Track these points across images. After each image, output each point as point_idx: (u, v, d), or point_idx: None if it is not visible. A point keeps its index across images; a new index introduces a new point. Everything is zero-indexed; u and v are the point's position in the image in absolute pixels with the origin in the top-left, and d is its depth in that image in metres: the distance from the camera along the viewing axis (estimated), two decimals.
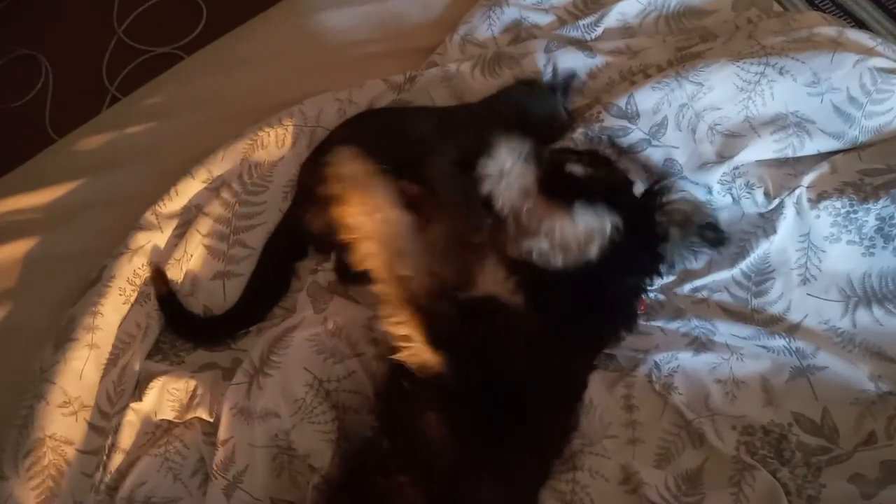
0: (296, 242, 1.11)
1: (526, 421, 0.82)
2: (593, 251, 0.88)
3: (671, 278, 1.03)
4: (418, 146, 1.06)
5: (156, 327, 1.06)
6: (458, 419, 0.80)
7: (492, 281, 0.90)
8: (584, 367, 0.94)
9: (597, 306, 0.91)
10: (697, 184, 1.06)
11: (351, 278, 1.04)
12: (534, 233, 0.90)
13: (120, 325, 1.03)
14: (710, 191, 1.05)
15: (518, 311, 0.86)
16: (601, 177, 0.97)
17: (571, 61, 1.16)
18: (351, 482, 0.85)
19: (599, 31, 1.23)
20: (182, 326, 1.08)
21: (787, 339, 0.95)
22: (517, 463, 0.82)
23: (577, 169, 0.96)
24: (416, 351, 0.81)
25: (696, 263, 1.01)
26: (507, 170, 0.92)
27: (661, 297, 1.03)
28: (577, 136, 1.08)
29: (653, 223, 0.92)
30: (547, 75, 1.16)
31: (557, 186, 0.93)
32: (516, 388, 0.82)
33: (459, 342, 0.81)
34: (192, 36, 1.91)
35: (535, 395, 0.83)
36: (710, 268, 1.02)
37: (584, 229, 0.88)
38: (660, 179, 0.99)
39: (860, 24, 1.51)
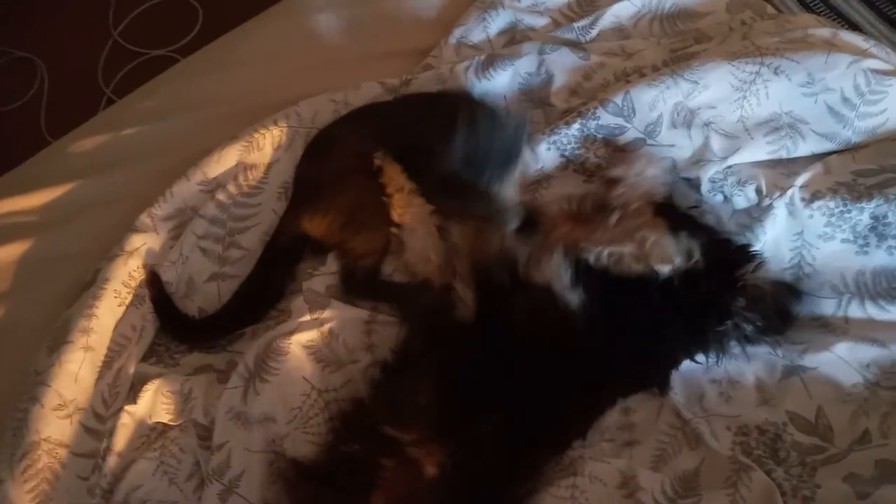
0: (295, 243, 1.11)
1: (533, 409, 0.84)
2: (667, 268, 0.89)
3: None
4: (415, 137, 1.06)
5: (151, 330, 1.06)
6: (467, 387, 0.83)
7: (552, 271, 0.90)
8: (605, 395, 0.94)
9: (641, 345, 0.91)
10: (689, 180, 1.06)
11: (357, 289, 1.04)
12: (623, 237, 0.92)
13: (115, 328, 1.03)
14: (700, 188, 1.05)
15: (569, 307, 0.88)
16: (701, 221, 1.01)
17: (566, 63, 1.16)
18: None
19: (594, 33, 1.23)
20: (177, 328, 1.07)
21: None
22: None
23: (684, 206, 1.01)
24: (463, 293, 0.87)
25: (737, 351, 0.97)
26: (645, 174, 0.98)
27: None
28: (573, 132, 1.08)
29: (729, 279, 0.92)
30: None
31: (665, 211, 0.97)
32: (536, 377, 0.84)
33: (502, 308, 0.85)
34: (188, 38, 1.91)
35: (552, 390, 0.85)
36: None
37: (672, 247, 0.90)
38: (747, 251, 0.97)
39: (853, 27, 1.52)
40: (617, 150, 1.08)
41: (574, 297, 0.89)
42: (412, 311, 1.00)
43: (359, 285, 1.04)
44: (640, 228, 0.92)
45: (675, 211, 1.02)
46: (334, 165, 1.10)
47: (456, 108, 1.01)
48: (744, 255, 0.95)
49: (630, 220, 0.95)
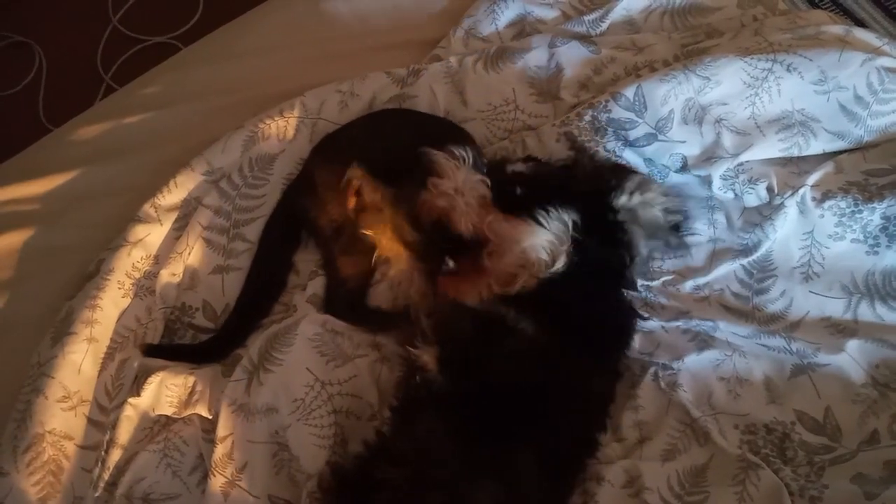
0: (292, 228, 1.09)
1: (536, 433, 0.81)
2: (562, 261, 0.87)
3: (668, 277, 1.03)
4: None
5: (160, 328, 1.05)
6: (461, 427, 0.80)
7: (493, 304, 0.88)
8: (598, 380, 0.92)
9: (588, 319, 0.90)
10: (700, 177, 1.05)
11: (340, 310, 1.02)
12: (504, 255, 0.87)
13: (118, 319, 1.02)
14: (711, 185, 1.04)
15: (525, 332, 0.85)
16: (548, 172, 0.95)
17: (576, 56, 1.15)
18: (349, 488, 0.83)
19: (604, 26, 1.22)
20: (183, 356, 1.04)
21: (786, 340, 0.95)
22: (524, 474, 0.81)
23: (519, 167, 0.94)
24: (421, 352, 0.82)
25: (664, 264, 1.01)
26: (461, 183, 0.88)
27: (664, 300, 1.02)
28: (584, 124, 1.07)
29: (610, 222, 0.91)
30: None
31: (507, 193, 0.90)
32: (525, 401, 0.81)
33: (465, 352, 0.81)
34: (189, 25, 1.89)
35: (547, 408, 0.82)
36: (711, 265, 1.02)
37: (552, 238, 0.86)
38: (618, 175, 0.96)
39: (860, 24, 1.51)
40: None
41: (525, 323, 0.86)
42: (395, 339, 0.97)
43: (342, 307, 1.02)
44: (508, 240, 0.87)
45: (527, 178, 0.94)
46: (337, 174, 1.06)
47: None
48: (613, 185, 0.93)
49: (496, 235, 0.88)
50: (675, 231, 0.97)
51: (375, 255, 1.01)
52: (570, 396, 0.86)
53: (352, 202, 0.99)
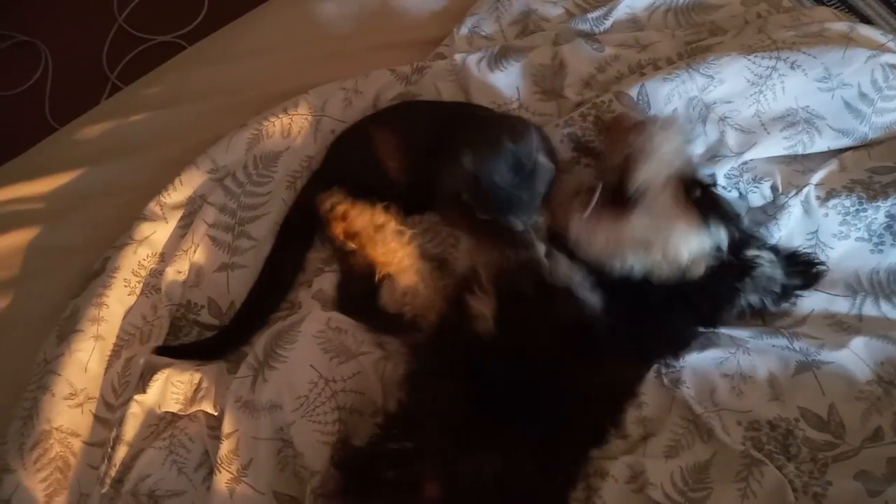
0: (308, 226, 1.09)
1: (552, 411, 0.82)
2: (700, 270, 0.87)
3: None
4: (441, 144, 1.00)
5: (165, 326, 1.05)
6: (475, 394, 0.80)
7: (567, 276, 0.88)
8: (630, 374, 0.93)
9: (657, 323, 0.90)
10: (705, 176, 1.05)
11: (351, 308, 1.01)
12: (651, 233, 0.86)
13: (124, 317, 1.02)
14: (716, 185, 1.04)
15: (589, 304, 0.85)
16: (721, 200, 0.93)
17: (580, 54, 1.15)
18: (354, 484, 0.84)
19: (608, 24, 1.21)
20: (192, 354, 1.04)
21: (791, 337, 0.95)
22: (528, 453, 0.82)
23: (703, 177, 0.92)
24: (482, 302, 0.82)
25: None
26: (663, 152, 0.86)
27: None
28: (587, 125, 1.07)
29: (742, 264, 0.90)
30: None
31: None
32: (553, 377, 0.82)
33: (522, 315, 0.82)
34: (194, 24, 1.89)
35: (570, 388, 0.83)
36: None
37: (705, 246, 0.86)
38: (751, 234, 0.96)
39: (865, 21, 1.51)
40: (615, 123, 0.97)
41: (595, 300, 0.86)
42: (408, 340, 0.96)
43: (353, 305, 1.02)
44: (668, 222, 0.87)
45: (700, 189, 0.92)
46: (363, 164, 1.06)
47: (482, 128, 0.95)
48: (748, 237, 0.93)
49: (656, 209, 0.87)
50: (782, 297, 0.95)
51: (378, 273, 0.96)
52: (599, 383, 0.86)
53: (338, 229, 0.94)
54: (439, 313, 0.92)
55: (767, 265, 0.91)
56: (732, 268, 0.90)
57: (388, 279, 0.96)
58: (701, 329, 0.95)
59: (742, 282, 0.91)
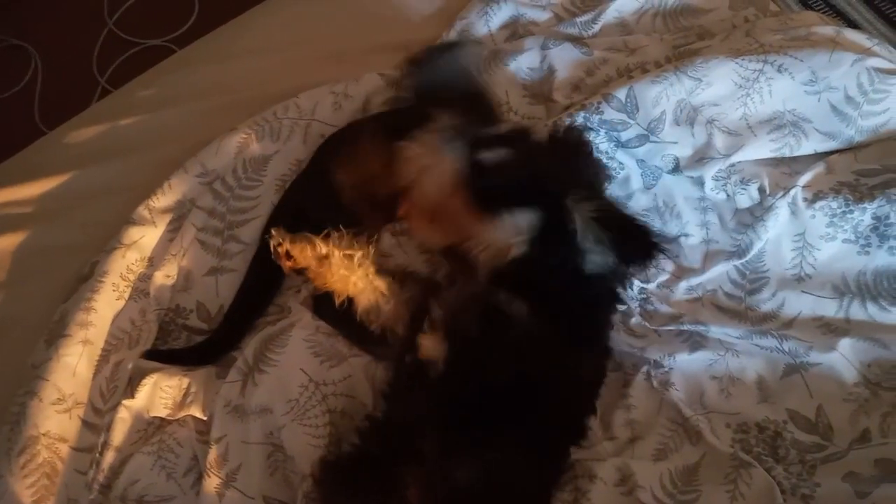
0: (293, 229, 1.08)
1: (525, 416, 0.81)
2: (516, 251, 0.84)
3: (665, 278, 1.03)
4: None
5: (153, 330, 1.05)
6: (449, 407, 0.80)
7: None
8: (588, 361, 0.92)
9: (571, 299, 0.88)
10: (692, 178, 1.06)
11: (327, 316, 1.01)
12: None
13: (113, 322, 1.02)
14: (703, 186, 1.05)
15: (519, 314, 0.83)
16: (516, 163, 0.88)
17: (569, 58, 1.16)
18: (345, 482, 0.84)
19: (597, 28, 1.22)
20: (181, 361, 1.04)
21: (779, 339, 0.95)
22: (508, 456, 0.81)
23: (488, 156, 0.88)
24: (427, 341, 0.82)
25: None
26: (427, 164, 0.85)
27: (657, 305, 1.02)
28: (578, 127, 1.06)
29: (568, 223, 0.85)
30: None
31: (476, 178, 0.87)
32: (517, 386, 0.81)
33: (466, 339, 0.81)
34: (184, 28, 1.90)
35: (537, 391, 0.82)
36: (705, 266, 1.03)
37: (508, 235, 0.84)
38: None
39: (852, 25, 1.52)
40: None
41: (519, 307, 0.84)
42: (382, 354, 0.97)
43: (328, 314, 1.00)
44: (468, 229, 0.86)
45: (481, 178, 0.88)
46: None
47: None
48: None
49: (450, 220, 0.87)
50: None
51: (337, 298, 0.96)
52: (560, 380, 0.85)
53: (286, 267, 0.95)
54: (406, 325, 0.92)
55: (598, 256, 0.86)
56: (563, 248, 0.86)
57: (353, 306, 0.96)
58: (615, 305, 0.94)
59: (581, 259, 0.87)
